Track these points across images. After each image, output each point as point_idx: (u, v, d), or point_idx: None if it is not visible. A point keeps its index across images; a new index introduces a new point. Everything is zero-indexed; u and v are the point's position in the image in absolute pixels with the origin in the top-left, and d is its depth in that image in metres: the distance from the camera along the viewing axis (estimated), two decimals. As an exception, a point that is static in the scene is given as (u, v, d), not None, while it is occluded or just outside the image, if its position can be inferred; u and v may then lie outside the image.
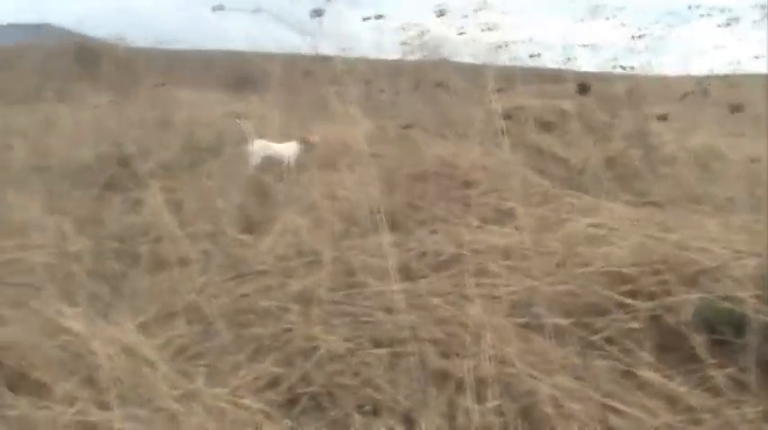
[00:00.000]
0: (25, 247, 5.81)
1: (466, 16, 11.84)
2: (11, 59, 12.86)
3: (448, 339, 3.81)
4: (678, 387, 3.43)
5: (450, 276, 4.59)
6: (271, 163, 9.41)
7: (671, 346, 3.72)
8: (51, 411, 3.02)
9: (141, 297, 5.07)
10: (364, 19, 8.74)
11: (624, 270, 4.15)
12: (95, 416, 2.96)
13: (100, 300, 4.81)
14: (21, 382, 3.46)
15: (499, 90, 5.22)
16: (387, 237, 5.28)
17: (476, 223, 5.83)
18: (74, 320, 3.65)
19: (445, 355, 3.73)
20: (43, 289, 4.77)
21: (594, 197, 5.85)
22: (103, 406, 3.22)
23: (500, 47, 10.56)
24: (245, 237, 6.63)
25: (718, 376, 3.40)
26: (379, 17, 8.61)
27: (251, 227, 7.04)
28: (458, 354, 3.68)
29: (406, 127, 5.97)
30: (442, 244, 5.14)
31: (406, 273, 4.84)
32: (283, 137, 9.94)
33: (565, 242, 4.72)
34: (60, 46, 17.68)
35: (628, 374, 3.57)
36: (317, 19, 3.83)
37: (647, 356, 3.61)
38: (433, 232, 5.43)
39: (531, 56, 9.35)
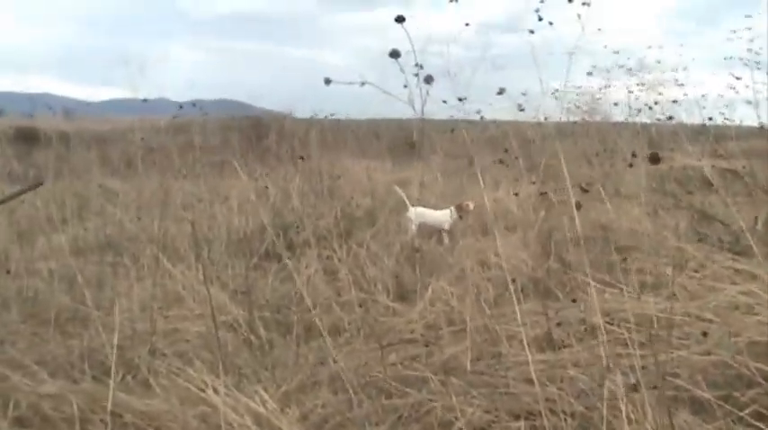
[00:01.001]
0: (184, 318, 6.07)
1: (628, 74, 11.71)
2: (183, 131, 13.62)
3: (586, 412, 3.69)
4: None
5: (593, 346, 4.46)
6: (427, 230, 9.49)
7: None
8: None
9: (288, 366, 5.19)
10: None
11: (776, 340, 3.92)
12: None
13: (248, 369, 4.96)
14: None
15: (656, 158, 5.03)
16: (532, 305, 5.22)
17: (626, 290, 5.68)
18: (213, 391, 3.76)
19: (584, 429, 3.62)
20: (195, 359, 4.98)
21: (756, 263, 5.56)
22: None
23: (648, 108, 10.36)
24: (397, 306, 6.70)
25: None
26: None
27: (403, 294, 7.10)
28: (595, 428, 3.55)
29: (585, 190, 5.84)
30: (588, 312, 5.01)
31: (550, 343, 4.76)
32: (442, 203, 10.04)
33: (715, 311, 4.51)
34: (231, 119, 18.58)
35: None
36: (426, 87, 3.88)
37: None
38: (574, 300, 5.30)
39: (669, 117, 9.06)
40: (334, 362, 5.04)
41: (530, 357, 3.66)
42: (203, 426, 3.61)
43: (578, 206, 5.08)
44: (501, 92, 4.11)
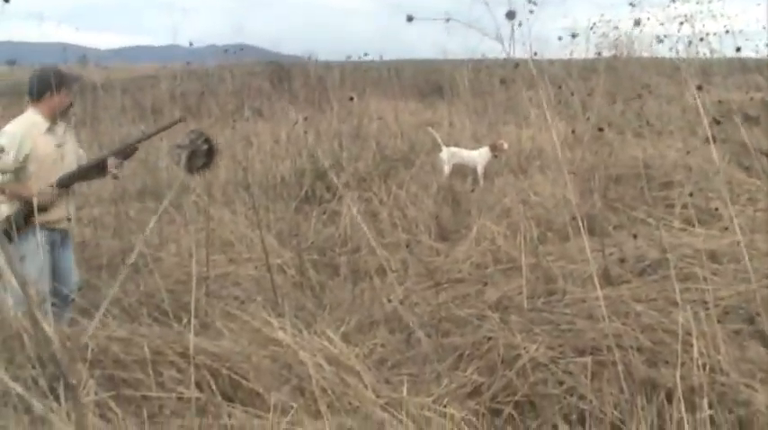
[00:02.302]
0: (234, 262, 6.10)
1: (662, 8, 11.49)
2: (210, 80, 13.51)
3: (655, 347, 3.68)
4: None
5: (654, 281, 4.45)
6: (462, 170, 9.43)
7: None
8: (266, 420, 3.13)
9: (342, 307, 5.21)
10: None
11: None
12: (309, 425, 3.05)
13: (304, 311, 4.98)
14: (236, 392, 3.62)
15: (699, 87, 4.94)
16: (585, 242, 5.18)
17: (677, 225, 5.64)
18: (281, 331, 3.78)
19: (652, 364, 3.61)
20: (252, 301, 5.00)
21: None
22: (314, 415, 3.32)
23: (700, 39, 10.16)
24: (441, 246, 6.70)
25: None
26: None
27: (445, 235, 7.09)
28: (666, 362, 3.54)
29: (600, 129, 5.79)
30: (644, 248, 4.98)
31: (607, 279, 4.73)
32: (475, 143, 9.96)
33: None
34: (256, 65, 18.44)
35: None
36: (510, 23, 3.78)
37: None
38: (635, 236, 5.25)
39: (737, 49, 8.86)
40: (389, 301, 5.06)
41: (599, 291, 3.64)
42: (275, 366, 3.62)
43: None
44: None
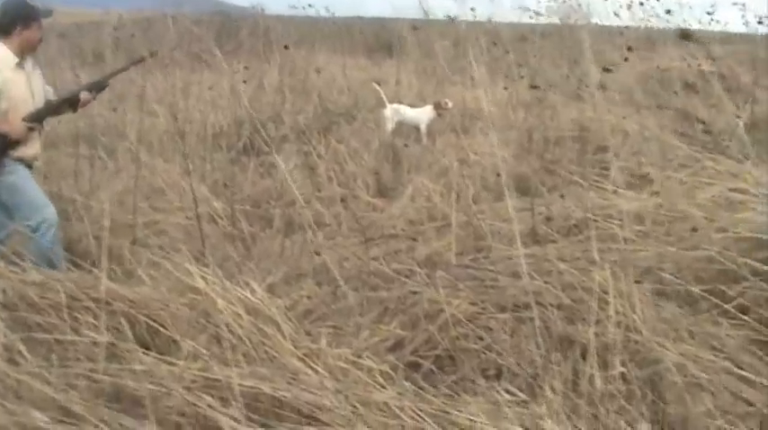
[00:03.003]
0: (164, 210, 6.02)
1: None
2: (151, 25, 13.30)
3: (573, 305, 3.72)
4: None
5: (579, 241, 4.48)
6: (405, 127, 9.42)
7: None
8: (176, 367, 3.10)
9: (272, 259, 5.17)
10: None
11: (763, 236, 3.94)
12: (219, 373, 3.02)
13: (231, 262, 4.93)
14: (153, 339, 3.59)
15: (629, 48, 4.96)
16: (516, 202, 5.21)
17: (610, 188, 5.68)
18: (202, 280, 3.74)
19: (570, 321, 3.65)
20: (178, 250, 4.94)
21: (737, 162, 5.58)
22: (229, 363, 3.30)
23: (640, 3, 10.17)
24: (377, 201, 6.68)
25: None
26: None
27: (383, 191, 7.08)
28: (584, 320, 3.58)
29: (534, 86, 5.80)
30: (572, 209, 5.01)
31: (534, 238, 4.77)
32: (421, 102, 9.93)
33: (702, 207, 4.52)
34: (202, 14, 18.14)
35: (763, 344, 3.39)
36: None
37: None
38: (562, 196, 5.29)
39: (667, 11, 8.87)
40: (318, 254, 5.03)
41: (521, 250, 3.66)
42: (193, 314, 3.59)
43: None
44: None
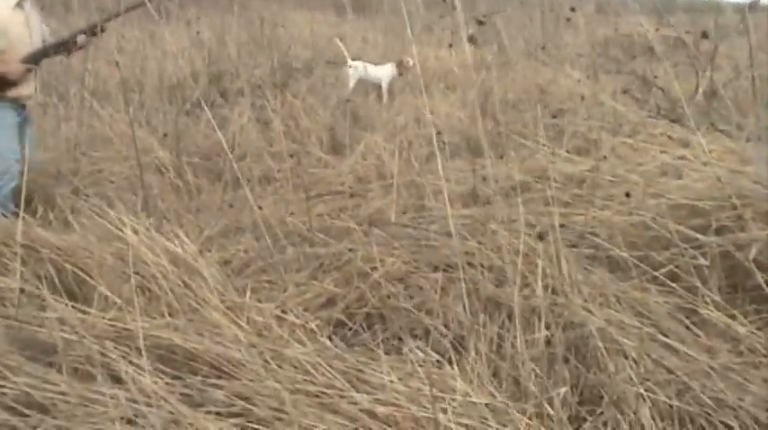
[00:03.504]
0: (110, 159, 5.93)
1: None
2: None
3: (504, 267, 3.68)
4: (741, 327, 3.22)
5: (517, 204, 4.44)
6: (366, 85, 9.34)
7: (739, 286, 3.51)
8: (89, 316, 3.05)
9: (213, 211, 5.11)
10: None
11: (698, 203, 3.92)
12: (130, 323, 2.97)
13: (171, 213, 4.87)
14: (80, 288, 3.54)
15: (572, 9, 4.89)
16: (464, 163, 5.17)
17: (558, 151, 5.66)
18: (133, 231, 3.67)
19: (499, 283, 3.61)
20: (118, 200, 4.87)
21: (690, 130, 5.57)
22: (149, 314, 3.26)
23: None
24: (329, 158, 6.61)
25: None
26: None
27: (337, 148, 7.01)
28: (514, 283, 3.55)
29: (471, 39, 5.68)
30: (516, 171, 4.97)
31: (475, 199, 4.73)
32: (384, 60, 9.82)
33: (642, 173, 4.50)
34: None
35: (689, 312, 3.38)
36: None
37: (711, 294, 3.40)
38: (501, 157, 5.26)
39: None
40: (260, 209, 4.97)
41: (449, 210, 3.61)
42: (119, 264, 3.53)
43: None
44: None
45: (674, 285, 3.51)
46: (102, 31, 5.13)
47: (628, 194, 4.09)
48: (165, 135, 6.27)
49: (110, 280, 3.49)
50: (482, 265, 3.70)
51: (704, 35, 6.71)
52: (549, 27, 10.06)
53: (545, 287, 3.44)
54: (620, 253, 3.69)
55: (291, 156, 6.21)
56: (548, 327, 3.25)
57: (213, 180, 6.06)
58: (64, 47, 5.00)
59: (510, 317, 3.37)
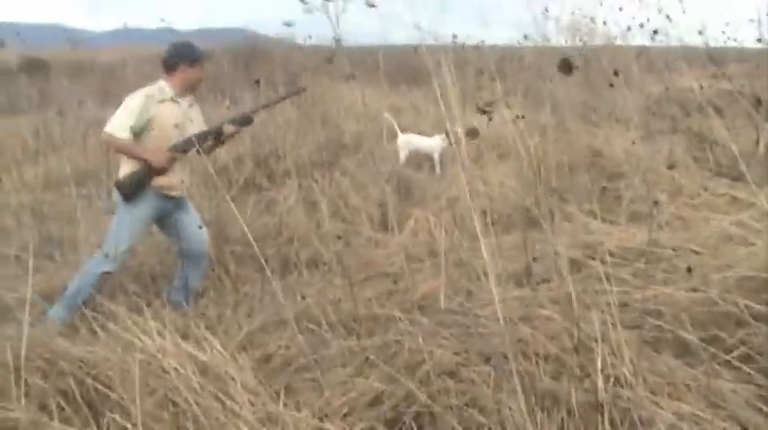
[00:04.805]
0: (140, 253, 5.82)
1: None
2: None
3: (561, 355, 3.40)
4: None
5: (575, 282, 4.16)
6: (418, 157, 9.20)
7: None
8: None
9: (257, 304, 4.93)
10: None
11: (766, 275, 3.59)
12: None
13: (212, 309, 4.70)
14: (104, 402, 3.36)
15: (616, 74, 4.66)
16: (517, 237, 4.93)
17: (614, 221, 5.38)
18: (157, 338, 3.49)
19: (557, 375, 3.33)
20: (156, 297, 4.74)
21: (757, 187, 5.25)
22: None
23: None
24: (380, 236, 6.41)
25: None
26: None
27: (388, 225, 6.80)
28: (572, 374, 3.27)
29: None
30: (574, 244, 4.70)
31: (527, 278, 4.47)
32: (437, 130, 9.65)
33: (703, 243, 4.19)
34: (229, 48, 18.07)
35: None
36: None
37: (792, 378, 3.08)
38: (560, 231, 4.99)
39: (654, 32, 8.40)
40: (303, 298, 4.78)
41: (495, 295, 3.35)
42: (143, 375, 3.33)
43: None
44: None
45: (748, 369, 3.18)
46: (251, 121, 5.33)
47: (689, 269, 3.78)
48: (207, 225, 6.14)
49: (133, 393, 3.29)
50: (537, 355, 3.42)
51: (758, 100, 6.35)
52: (599, 88, 9.80)
53: (606, 377, 3.14)
54: (686, 335, 3.37)
55: (339, 237, 6.03)
56: (612, 424, 2.96)
57: (258, 268, 5.89)
58: (212, 136, 5.13)
59: (570, 413, 3.09)
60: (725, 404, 3.04)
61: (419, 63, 14.61)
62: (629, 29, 9.45)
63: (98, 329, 3.85)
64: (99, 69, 19.08)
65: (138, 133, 4.84)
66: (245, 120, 5.27)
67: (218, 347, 3.55)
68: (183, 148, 4.95)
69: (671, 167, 6.06)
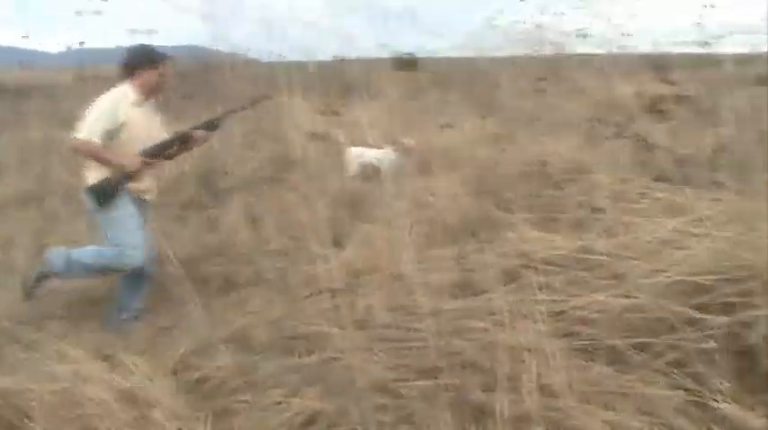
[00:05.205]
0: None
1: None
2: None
3: (494, 367, 3.34)
4: (758, 420, 2.84)
5: (510, 292, 4.10)
6: (367, 170, 9.12)
7: (752, 370, 3.14)
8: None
9: (195, 323, 4.82)
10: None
11: (699, 279, 3.54)
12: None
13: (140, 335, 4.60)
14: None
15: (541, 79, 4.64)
16: (452, 250, 4.89)
17: (561, 228, 5.34)
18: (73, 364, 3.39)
19: (489, 387, 3.27)
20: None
21: (697, 191, 5.24)
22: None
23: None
24: (327, 252, 6.32)
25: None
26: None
27: (337, 240, 6.72)
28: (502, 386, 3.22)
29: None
30: (512, 254, 4.65)
31: (467, 289, 4.41)
32: (385, 143, 9.60)
33: (641, 248, 4.15)
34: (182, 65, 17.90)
35: (700, 405, 3.01)
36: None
37: (722, 383, 3.03)
38: (489, 242, 4.94)
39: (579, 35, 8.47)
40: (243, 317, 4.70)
41: (448, 305, 3.31)
42: (58, 400, 3.23)
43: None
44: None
45: (679, 375, 3.15)
46: (217, 127, 5.41)
47: (619, 276, 3.74)
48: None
49: (54, 424, 3.19)
50: (469, 367, 3.37)
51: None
52: (551, 94, 9.82)
53: (537, 388, 3.09)
54: (617, 342, 3.33)
55: (283, 254, 5.95)
56: (542, 435, 2.91)
57: (199, 288, 5.79)
58: (181, 142, 5.20)
59: (501, 425, 3.04)
60: (658, 411, 3.00)
61: (372, 76, 14.67)
62: (576, 35, 9.50)
63: (21, 358, 3.74)
64: (47, 91, 18.89)
65: (109, 138, 4.83)
66: (212, 126, 5.33)
67: (144, 371, 3.44)
68: (153, 153, 4.99)
69: (613, 173, 6.04)
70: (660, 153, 6.77)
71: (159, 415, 3.16)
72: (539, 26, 12.29)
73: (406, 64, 14.60)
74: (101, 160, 4.87)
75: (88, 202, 4.96)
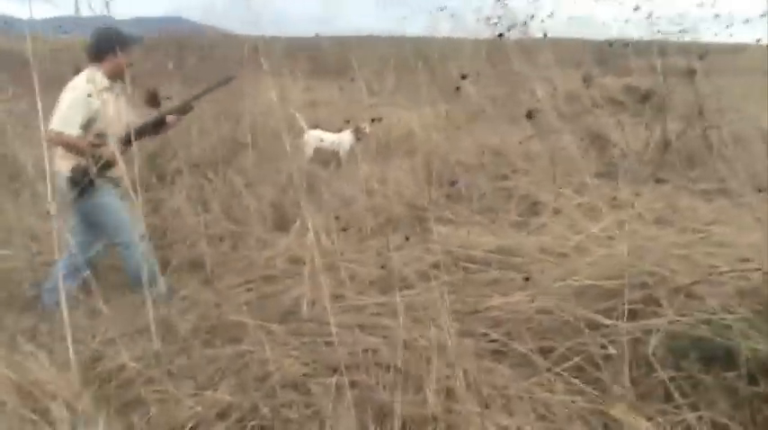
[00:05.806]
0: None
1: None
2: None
3: (403, 366, 3.33)
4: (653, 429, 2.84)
5: (430, 289, 4.09)
6: (325, 154, 9.07)
7: (651, 378, 3.13)
8: None
9: (124, 308, 4.76)
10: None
11: (608, 283, 3.54)
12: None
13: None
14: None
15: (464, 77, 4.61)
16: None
17: (500, 221, 5.34)
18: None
19: (396, 386, 3.26)
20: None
21: (634, 186, 5.25)
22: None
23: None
24: (271, 238, 6.27)
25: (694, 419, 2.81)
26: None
27: (284, 225, 6.67)
28: (408, 386, 3.21)
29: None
30: (436, 251, 4.62)
31: (393, 283, 4.39)
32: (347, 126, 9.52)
33: (559, 249, 4.14)
34: (159, 39, 17.71)
35: (597, 412, 3.01)
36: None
37: (622, 390, 3.03)
38: (406, 238, 4.91)
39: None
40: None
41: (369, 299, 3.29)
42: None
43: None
44: None
45: (579, 380, 3.14)
46: (191, 109, 5.32)
47: (527, 279, 3.73)
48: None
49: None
50: (379, 365, 3.36)
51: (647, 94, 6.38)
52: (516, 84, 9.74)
53: (440, 390, 3.08)
54: (520, 346, 3.32)
55: (221, 239, 5.91)
56: (441, 439, 2.90)
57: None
58: (155, 127, 5.19)
59: (403, 426, 3.03)
60: (553, 417, 3.00)
61: (344, 56, 14.54)
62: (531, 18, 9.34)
63: None
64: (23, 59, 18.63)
65: (88, 126, 4.79)
66: (185, 109, 5.30)
67: (46, 363, 3.41)
68: (129, 140, 4.83)
69: (559, 166, 6.04)
70: (607, 147, 6.78)
71: (57, 409, 3.12)
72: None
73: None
74: (79, 151, 4.82)
75: (67, 191, 4.89)
